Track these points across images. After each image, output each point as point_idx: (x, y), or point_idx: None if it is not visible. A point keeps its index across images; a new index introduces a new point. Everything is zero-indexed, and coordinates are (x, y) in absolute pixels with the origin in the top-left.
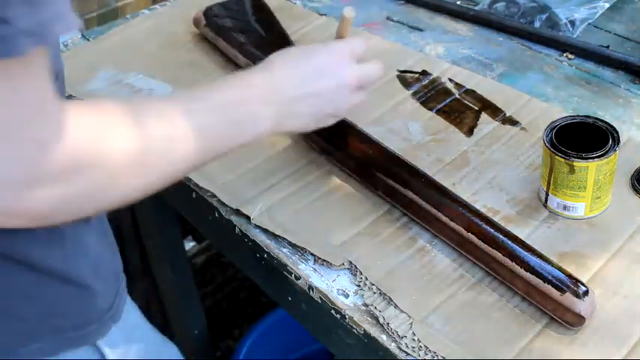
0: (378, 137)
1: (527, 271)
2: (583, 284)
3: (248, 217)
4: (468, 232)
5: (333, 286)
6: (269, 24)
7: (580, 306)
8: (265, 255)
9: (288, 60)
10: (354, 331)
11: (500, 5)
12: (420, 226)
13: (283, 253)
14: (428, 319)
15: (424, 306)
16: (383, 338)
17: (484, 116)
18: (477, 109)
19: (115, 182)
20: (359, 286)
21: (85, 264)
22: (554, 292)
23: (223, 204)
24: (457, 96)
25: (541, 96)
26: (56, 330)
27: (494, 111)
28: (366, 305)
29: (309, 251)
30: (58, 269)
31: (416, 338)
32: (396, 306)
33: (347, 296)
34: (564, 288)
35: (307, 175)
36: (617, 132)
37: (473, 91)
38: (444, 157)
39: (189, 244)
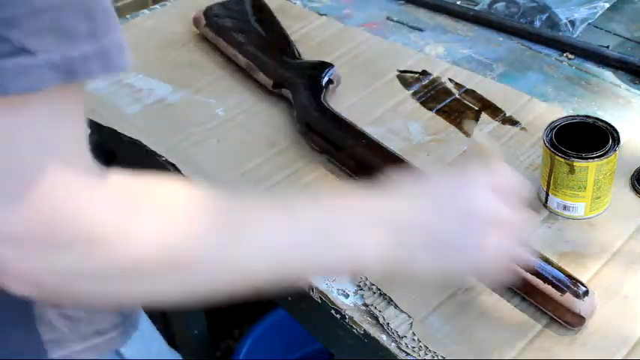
0: (378, 137)
1: (527, 272)
2: (583, 284)
3: None
4: None
5: (333, 286)
6: (269, 24)
7: (580, 306)
8: None
9: (412, 187)
10: (354, 331)
11: (500, 5)
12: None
13: None
14: (428, 319)
15: (424, 306)
16: (383, 338)
17: (484, 116)
18: (477, 109)
19: (143, 274)
20: (359, 286)
21: None
22: (554, 293)
23: None
24: (457, 96)
25: (541, 96)
26: (82, 337)
27: (494, 111)
28: (366, 305)
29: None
30: None
31: (416, 338)
32: (396, 306)
33: (347, 296)
34: (564, 288)
35: (307, 175)
36: (617, 132)
37: (473, 91)
38: (444, 157)
39: None
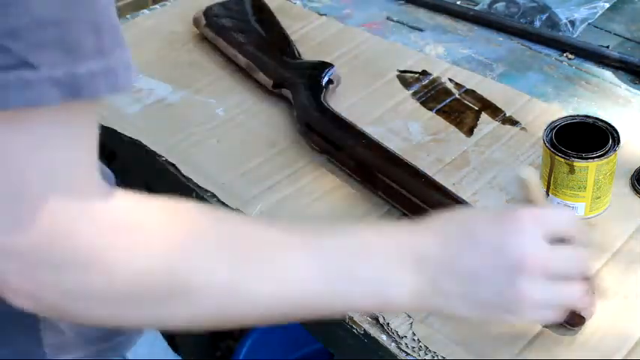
0: (378, 137)
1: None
2: None
3: None
4: None
5: None
6: (269, 24)
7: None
8: None
9: (449, 222)
10: (354, 331)
11: (500, 5)
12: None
13: None
14: (428, 319)
15: None
16: (383, 338)
17: (484, 116)
18: (477, 109)
19: (144, 300)
20: None
21: None
22: None
23: (223, 204)
24: (457, 96)
25: (541, 96)
26: (88, 341)
27: (494, 111)
28: None
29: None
30: None
31: (416, 338)
32: None
33: None
34: None
35: (307, 175)
36: (617, 132)
37: (473, 91)
38: (444, 157)
39: None
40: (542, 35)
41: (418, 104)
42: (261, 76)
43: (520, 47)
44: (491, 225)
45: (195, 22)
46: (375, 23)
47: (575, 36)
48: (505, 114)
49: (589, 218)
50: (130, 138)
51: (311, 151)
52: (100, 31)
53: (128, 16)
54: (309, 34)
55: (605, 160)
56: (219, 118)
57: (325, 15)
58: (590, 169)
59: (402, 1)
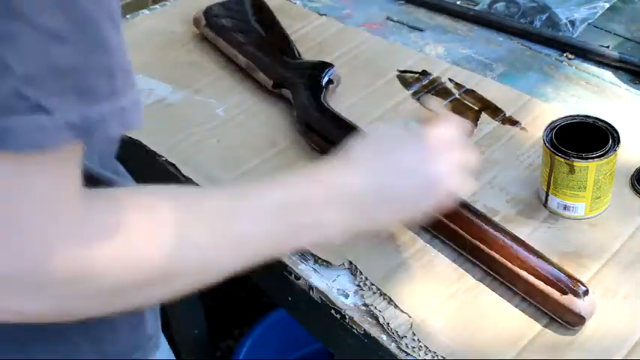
0: None
1: (527, 272)
2: (583, 284)
3: None
4: (467, 232)
5: (333, 286)
6: (269, 24)
7: (580, 306)
8: None
9: (367, 153)
10: (354, 331)
11: (500, 5)
12: (420, 226)
13: None
14: (428, 319)
15: (424, 306)
16: (383, 338)
17: (484, 116)
18: (477, 109)
19: (127, 292)
20: (359, 286)
21: None
22: (555, 292)
23: None
24: (457, 96)
25: (541, 96)
26: (101, 352)
27: (494, 111)
28: (366, 305)
29: (309, 251)
30: None
31: (416, 338)
32: (396, 306)
33: (347, 296)
34: (564, 288)
35: None
36: (617, 132)
37: (473, 91)
38: None
39: None
40: (542, 35)
41: (418, 104)
42: (261, 76)
43: (520, 47)
44: (408, 153)
45: (195, 22)
46: (375, 23)
47: (575, 36)
48: (505, 114)
49: (589, 218)
50: (130, 138)
51: (311, 151)
52: (113, 74)
53: (128, 16)
54: (309, 34)
55: (605, 160)
56: (219, 118)
57: (325, 15)
58: (590, 169)
59: (402, 1)
